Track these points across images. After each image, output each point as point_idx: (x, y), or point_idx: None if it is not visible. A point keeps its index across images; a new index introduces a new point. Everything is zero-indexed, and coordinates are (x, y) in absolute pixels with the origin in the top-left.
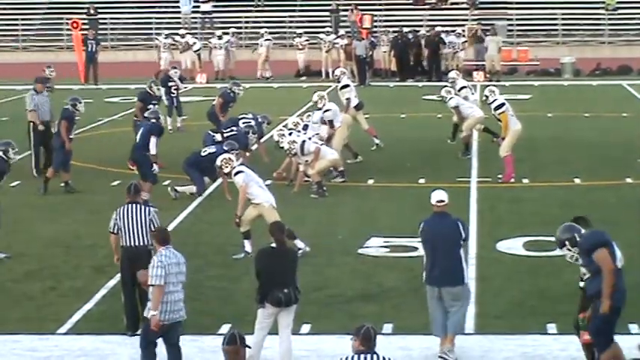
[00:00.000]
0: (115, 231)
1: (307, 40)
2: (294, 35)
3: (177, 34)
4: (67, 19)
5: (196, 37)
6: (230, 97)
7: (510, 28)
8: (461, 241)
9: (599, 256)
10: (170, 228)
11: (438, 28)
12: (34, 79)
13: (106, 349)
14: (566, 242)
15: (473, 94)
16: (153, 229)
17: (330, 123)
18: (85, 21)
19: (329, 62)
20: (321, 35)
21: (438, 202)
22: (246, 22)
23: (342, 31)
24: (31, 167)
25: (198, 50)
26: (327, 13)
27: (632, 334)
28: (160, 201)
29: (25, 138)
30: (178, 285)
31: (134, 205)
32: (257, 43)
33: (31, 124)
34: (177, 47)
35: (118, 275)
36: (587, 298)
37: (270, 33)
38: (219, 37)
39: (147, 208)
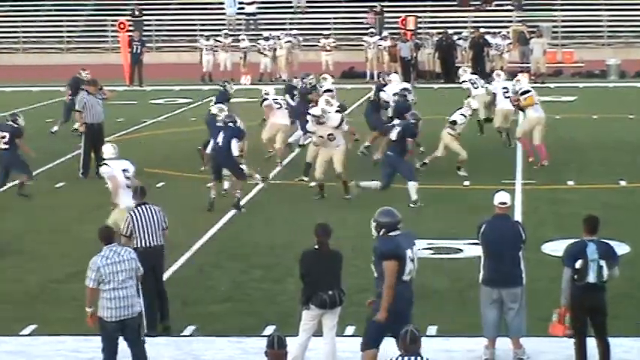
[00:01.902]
0: (129, 234)
1: (334, 42)
2: (321, 36)
3: (220, 35)
4: (112, 20)
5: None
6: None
7: (555, 29)
8: (521, 244)
9: (387, 267)
10: (213, 230)
11: (482, 30)
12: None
13: (149, 350)
14: (374, 223)
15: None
16: (164, 228)
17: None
18: (131, 23)
19: (374, 64)
20: (365, 37)
21: (500, 203)
22: (291, 23)
23: (385, 33)
24: (78, 168)
25: (245, 49)
26: (371, 15)
27: None
28: (203, 202)
29: (68, 138)
30: (127, 281)
31: (144, 206)
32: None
33: (84, 125)
34: (222, 48)
35: (163, 277)
36: (376, 295)
37: (312, 35)
38: (266, 39)
39: (156, 208)
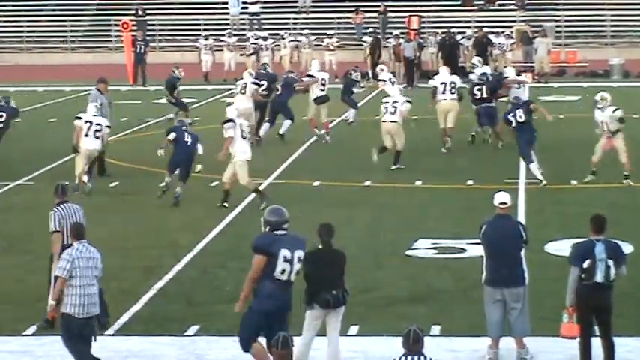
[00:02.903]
0: (60, 229)
1: (338, 41)
2: (325, 36)
3: (223, 35)
4: (116, 20)
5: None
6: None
7: (558, 29)
8: (522, 244)
9: (254, 260)
10: (219, 229)
11: (485, 30)
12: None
13: (154, 349)
14: (263, 221)
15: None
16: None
17: None
18: (134, 22)
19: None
20: (365, 37)
21: (501, 204)
22: (294, 23)
23: (395, 33)
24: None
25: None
26: (374, 15)
27: None
28: (211, 203)
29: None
30: (94, 279)
31: (66, 204)
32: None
33: None
34: (227, 48)
35: (167, 276)
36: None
37: (315, 35)
38: (265, 39)
39: (77, 207)
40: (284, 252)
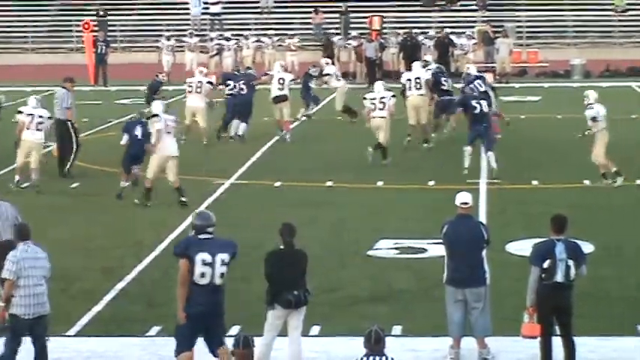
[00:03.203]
0: None
1: (299, 42)
2: (286, 37)
3: (184, 35)
4: (77, 21)
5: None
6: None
7: (520, 29)
8: (483, 244)
9: (180, 265)
10: (180, 229)
11: (447, 30)
12: (62, 78)
13: (115, 351)
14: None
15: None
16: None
17: None
18: (95, 23)
19: (340, 64)
20: (333, 38)
21: (462, 204)
22: (255, 23)
23: (353, 33)
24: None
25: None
26: (336, 15)
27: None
28: (174, 202)
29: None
30: (41, 279)
31: None
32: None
33: (70, 122)
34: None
35: (128, 277)
36: None
37: (278, 35)
38: (227, 39)
39: (6, 204)
40: (202, 255)
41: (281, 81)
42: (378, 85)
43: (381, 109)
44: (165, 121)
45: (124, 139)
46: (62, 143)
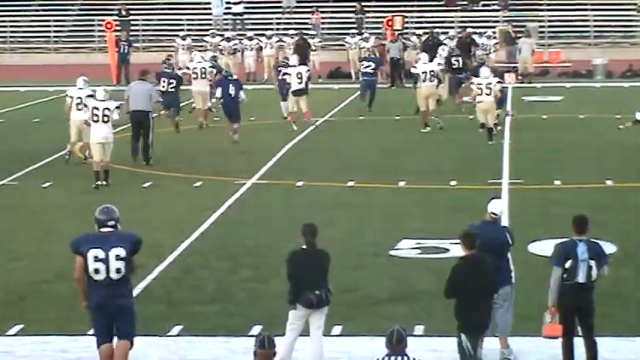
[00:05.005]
0: None
1: (320, 42)
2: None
3: (202, 35)
4: (99, 20)
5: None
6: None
7: (542, 29)
8: (508, 248)
9: (76, 261)
10: (201, 229)
11: (469, 30)
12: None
13: (137, 350)
14: None
15: None
16: None
17: None
18: (117, 22)
19: (357, 65)
20: (347, 38)
21: (492, 214)
22: (278, 23)
23: (366, 33)
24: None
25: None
26: (351, 15)
27: None
28: (194, 203)
29: (54, 139)
30: None
31: None
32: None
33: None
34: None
35: (149, 276)
36: None
37: (300, 34)
38: (250, 39)
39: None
40: (94, 252)
41: (299, 75)
42: (485, 71)
43: (487, 94)
44: (102, 110)
45: (218, 93)
46: (146, 133)
